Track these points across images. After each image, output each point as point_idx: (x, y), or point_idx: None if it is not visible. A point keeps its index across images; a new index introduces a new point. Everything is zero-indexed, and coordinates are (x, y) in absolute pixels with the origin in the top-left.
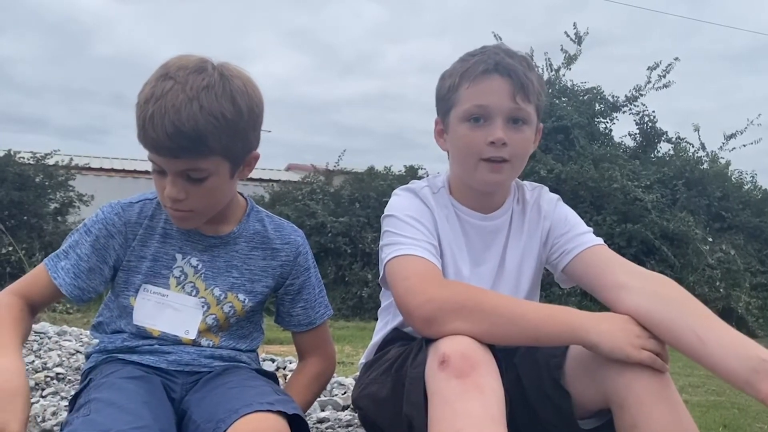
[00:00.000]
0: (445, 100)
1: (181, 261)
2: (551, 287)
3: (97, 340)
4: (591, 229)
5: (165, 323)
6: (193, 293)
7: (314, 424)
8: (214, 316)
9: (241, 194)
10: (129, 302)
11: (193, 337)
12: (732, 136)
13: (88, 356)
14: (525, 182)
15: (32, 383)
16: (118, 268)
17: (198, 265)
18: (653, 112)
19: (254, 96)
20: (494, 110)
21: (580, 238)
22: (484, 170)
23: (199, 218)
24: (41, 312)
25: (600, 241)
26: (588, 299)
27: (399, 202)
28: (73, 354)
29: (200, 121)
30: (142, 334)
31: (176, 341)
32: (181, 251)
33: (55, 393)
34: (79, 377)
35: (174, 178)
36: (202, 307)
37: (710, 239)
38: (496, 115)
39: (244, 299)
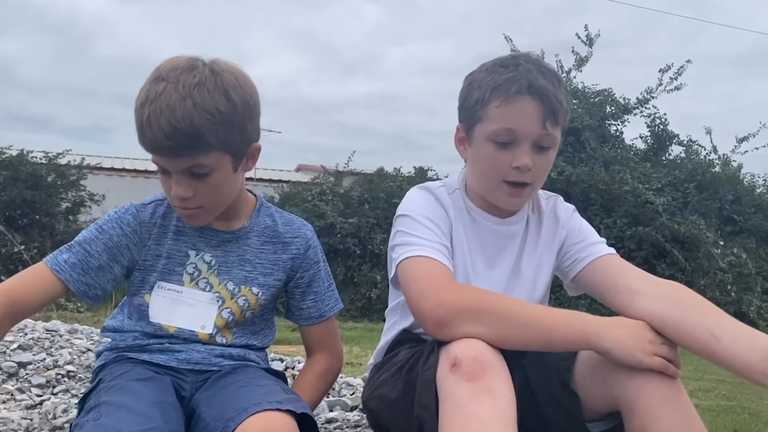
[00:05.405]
0: (471, 111)
1: (195, 257)
2: (561, 290)
3: (108, 339)
4: (604, 240)
5: (181, 319)
6: (207, 289)
7: (323, 424)
8: (229, 310)
9: (250, 191)
10: (144, 300)
11: (210, 332)
12: (744, 139)
13: (98, 354)
14: (539, 191)
15: (43, 380)
16: (131, 267)
17: (211, 261)
18: (665, 114)
19: (247, 88)
20: (522, 135)
21: (593, 248)
22: (504, 192)
23: (208, 215)
24: (50, 311)
25: (612, 251)
26: (598, 303)
27: (413, 201)
28: (84, 352)
29: (195, 118)
30: (156, 332)
31: (189, 339)
32: (195, 248)
33: (66, 390)
34: (90, 375)
35: (179, 177)
36: (217, 301)
37: (722, 243)
38: (524, 140)
39: (258, 292)
